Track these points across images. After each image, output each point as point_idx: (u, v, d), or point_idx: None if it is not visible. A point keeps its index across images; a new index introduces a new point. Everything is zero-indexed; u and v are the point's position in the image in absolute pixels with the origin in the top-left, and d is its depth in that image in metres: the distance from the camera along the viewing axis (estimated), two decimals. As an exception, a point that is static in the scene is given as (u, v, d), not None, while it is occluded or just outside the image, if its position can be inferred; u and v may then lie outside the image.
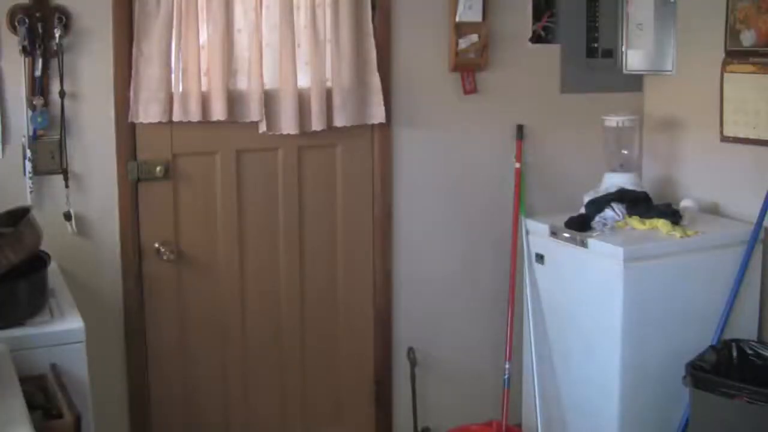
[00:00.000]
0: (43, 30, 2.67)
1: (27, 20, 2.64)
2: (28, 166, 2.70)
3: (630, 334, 3.00)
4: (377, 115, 3.14)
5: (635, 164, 3.53)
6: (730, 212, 3.37)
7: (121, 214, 2.87)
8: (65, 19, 2.70)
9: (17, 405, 1.72)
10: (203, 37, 2.87)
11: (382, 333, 3.36)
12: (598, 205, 3.28)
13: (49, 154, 2.75)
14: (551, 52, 3.52)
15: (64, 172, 2.76)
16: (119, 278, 2.90)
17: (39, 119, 2.70)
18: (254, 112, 2.95)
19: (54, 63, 2.71)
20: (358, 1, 3.06)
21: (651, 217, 3.21)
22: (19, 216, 2.37)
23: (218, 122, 2.91)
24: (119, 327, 2.92)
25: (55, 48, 2.69)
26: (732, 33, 3.25)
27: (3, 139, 2.70)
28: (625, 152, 3.50)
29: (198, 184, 3.00)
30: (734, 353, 3.03)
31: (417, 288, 3.39)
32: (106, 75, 2.80)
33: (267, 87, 2.97)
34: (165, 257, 2.94)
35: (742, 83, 3.24)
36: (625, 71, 3.66)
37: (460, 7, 3.26)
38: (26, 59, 2.67)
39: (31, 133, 2.70)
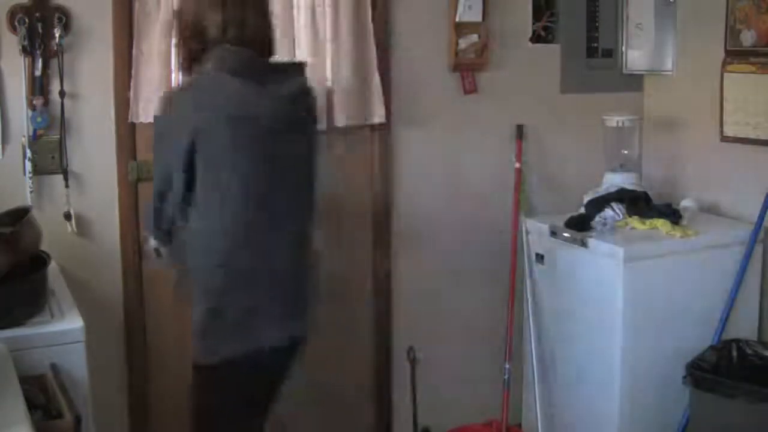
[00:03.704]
0: (43, 30, 2.67)
1: (27, 20, 2.64)
2: (28, 166, 2.70)
3: (630, 334, 3.00)
4: (377, 114, 3.14)
5: (635, 164, 3.53)
6: (730, 212, 3.37)
7: (121, 214, 2.87)
8: (65, 19, 2.70)
9: (17, 405, 1.72)
10: (203, 37, 2.86)
11: (382, 333, 3.36)
12: (598, 205, 3.28)
13: (49, 154, 2.75)
14: (551, 52, 3.52)
15: (64, 172, 2.76)
16: (119, 278, 2.90)
17: (39, 119, 2.70)
18: (254, 112, 2.95)
19: (54, 63, 2.71)
20: (358, 0, 3.06)
21: (651, 217, 3.21)
22: (19, 216, 2.37)
23: (218, 122, 2.91)
24: (119, 327, 2.92)
25: (55, 48, 2.69)
26: (732, 33, 3.25)
27: (3, 139, 2.70)
28: (625, 152, 3.50)
29: (198, 184, 2.99)
30: (734, 353, 3.03)
31: (417, 288, 3.39)
32: (106, 75, 2.80)
33: (267, 87, 2.97)
34: (165, 257, 2.93)
35: (742, 83, 3.24)
36: (624, 71, 3.66)
37: (460, 7, 3.26)
38: (26, 59, 2.67)
39: (31, 133, 2.71)
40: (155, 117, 2.31)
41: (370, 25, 3.10)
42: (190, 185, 2.14)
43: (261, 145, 2.16)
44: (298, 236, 2.29)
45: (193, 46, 2.21)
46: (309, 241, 2.36)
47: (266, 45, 2.28)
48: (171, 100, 2.27)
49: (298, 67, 2.37)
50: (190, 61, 2.23)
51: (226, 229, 2.15)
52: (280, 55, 2.95)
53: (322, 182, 2.42)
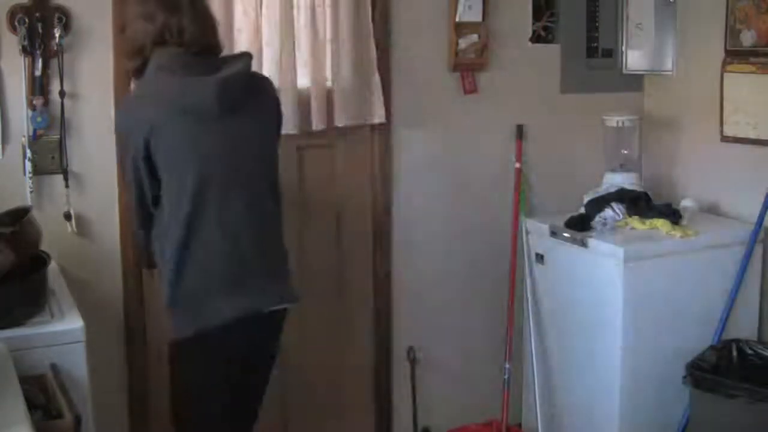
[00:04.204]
0: (43, 30, 2.67)
1: (27, 20, 2.64)
2: (28, 166, 2.70)
3: (630, 334, 3.00)
4: (377, 114, 3.14)
5: (635, 164, 3.53)
6: (730, 212, 3.37)
7: (121, 214, 2.87)
8: (65, 19, 2.70)
9: (17, 405, 1.72)
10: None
11: (382, 332, 3.36)
12: (598, 205, 3.28)
13: (49, 154, 2.74)
14: (551, 52, 3.52)
15: (64, 172, 2.76)
16: (119, 278, 2.90)
17: (39, 119, 2.70)
18: (254, 112, 2.95)
19: (54, 63, 2.70)
20: (358, 0, 3.05)
21: (651, 217, 3.21)
22: (19, 216, 2.37)
23: (218, 122, 2.90)
24: (119, 327, 2.92)
25: (55, 48, 2.69)
26: (732, 33, 3.25)
27: (3, 139, 2.70)
28: (625, 152, 3.50)
29: (198, 184, 2.99)
30: (734, 353, 3.03)
31: (417, 288, 3.38)
32: (106, 75, 2.79)
33: (267, 87, 2.97)
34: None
35: (742, 83, 3.24)
36: (625, 71, 3.66)
37: (460, 7, 3.26)
38: (26, 59, 2.67)
39: (31, 133, 2.70)
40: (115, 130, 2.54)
41: (370, 25, 3.09)
42: (155, 187, 2.28)
43: (207, 133, 2.23)
44: (251, 215, 2.32)
45: (135, 61, 2.32)
46: (265, 218, 2.39)
47: (207, 47, 2.33)
48: (122, 109, 2.43)
49: (240, 57, 2.39)
50: (135, 72, 2.35)
51: (179, 215, 2.23)
52: (277, 57, 2.97)
53: (279, 161, 2.48)
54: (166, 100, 2.22)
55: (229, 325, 2.26)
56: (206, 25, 2.35)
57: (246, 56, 2.40)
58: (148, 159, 2.23)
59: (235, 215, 2.28)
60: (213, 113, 2.22)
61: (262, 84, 2.44)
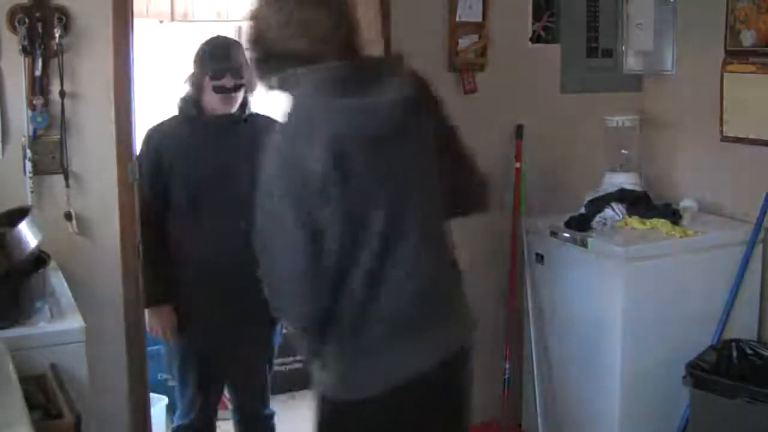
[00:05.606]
0: (43, 30, 2.67)
1: (27, 20, 2.64)
2: (28, 166, 2.70)
3: (630, 334, 3.00)
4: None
5: (635, 164, 3.53)
6: (730, 212, 3.37)
7: (121, 214, 2.86)
8: (65, 19, 2.69)
9: (17, 405, 1.72)
10: (204, 36, 2.86)
11: (382, 333, 3.35)
12: (598, 205, 3.28)
13: (49, 154, 2.74)
14: (551, 52, 3.52)
15: (65, 172, 2.76)
16: (119, 278, 2.90)
17: (39, 119, 2.69)
18: (254, 112, 2.94)
19: (54, 63, 2.70)
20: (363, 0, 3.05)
21: (651, 217, 3.22)
22: (19, 216, 2.37)
23: (218, 122, 2.90)
24: (119, 327, 2.92)
25: (55, 48, 2.68)
26: (732, 33, 3.25)
27: (3, 139, 2.69)
28: (625, 152, 3.50)
29: (198, 184, 2.99)
30: (734, 353, 3.03)
31: (417, 288, 3.38)
32: (106, 75, 2.79)
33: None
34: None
35: (742, 83, 3.24)
36: (624, 71, 3.66)
37: (460, 7, 3.26)
38: (26, 59, 2.67)
39: (31, 133, 2.70)
40: (264, 177, 1.89)
41: (379, 24, 3.08)
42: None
43: (384, 162, 1.92)
44: (430, 242, 2.02)
45: (254, 51, 1.97)
46: (442, 241, 2.12)
47: (352, 48, 1.96)
48: (280, 150, 1.90)
49: (398, 63, 2.06)
50: (276, 82, 1.95)
51: (360, 259, 1.90)
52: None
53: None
54: (338, 133, 1.85)
55: (426, 373, 1.97)
56: (341, 18, 1.95)
57: (401, 60, 2.07)
58: (326, 198, 1.84)
59: (417, 245, 1.96)
60: (388, 140, 1.90)
61: (425, 92, 2.10)
